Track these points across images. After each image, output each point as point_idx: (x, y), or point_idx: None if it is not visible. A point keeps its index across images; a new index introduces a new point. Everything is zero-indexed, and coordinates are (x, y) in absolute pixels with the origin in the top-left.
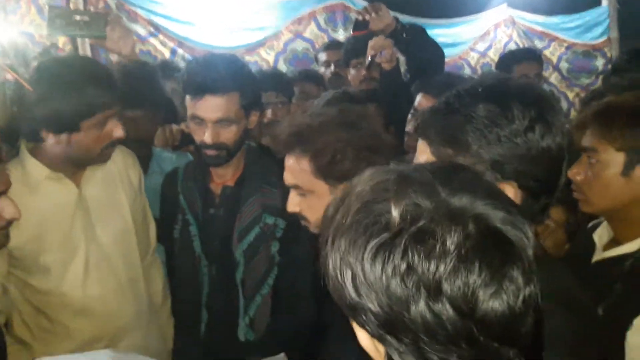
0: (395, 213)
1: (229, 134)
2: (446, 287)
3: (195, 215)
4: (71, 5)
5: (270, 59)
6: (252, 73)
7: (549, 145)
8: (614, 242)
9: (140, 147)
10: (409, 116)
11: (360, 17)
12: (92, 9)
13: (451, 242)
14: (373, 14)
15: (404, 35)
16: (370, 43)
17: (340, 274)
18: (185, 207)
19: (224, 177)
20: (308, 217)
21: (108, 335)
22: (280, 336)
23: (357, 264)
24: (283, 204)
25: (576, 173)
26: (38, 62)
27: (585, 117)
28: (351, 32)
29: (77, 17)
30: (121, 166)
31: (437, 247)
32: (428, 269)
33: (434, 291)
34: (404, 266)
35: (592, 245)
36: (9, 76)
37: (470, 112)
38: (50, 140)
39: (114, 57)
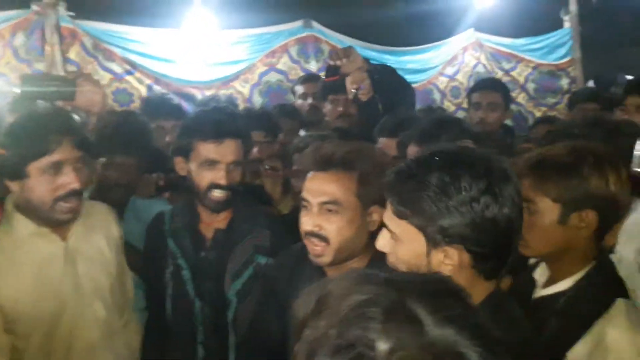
0: (381, 351)
1: (237, 176)
2: None
3: (187, 259)
4: (47, 50)
5: (246, 91)
6: (248, 123)
7: (493, 216)
8: (551, 281)
9: (124, 193)
10: None
11: (331, 62)
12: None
13: None
14: (344, 59)
15: (376, 76)
16: (349, 79)
17: None
18: (176, 252)
19: (214, 219)
20: (329, 237)
21: None
22: None
23: None
24: (273, 244)
25: None
26: None
27: (521, 168)
28: (324, 78)
29: (48, 83)
30: (103, 220)
31: None
32: None
33: None
34: None
35: (533, 283)
36: None
37: (425, 179)
38: (13, 189)
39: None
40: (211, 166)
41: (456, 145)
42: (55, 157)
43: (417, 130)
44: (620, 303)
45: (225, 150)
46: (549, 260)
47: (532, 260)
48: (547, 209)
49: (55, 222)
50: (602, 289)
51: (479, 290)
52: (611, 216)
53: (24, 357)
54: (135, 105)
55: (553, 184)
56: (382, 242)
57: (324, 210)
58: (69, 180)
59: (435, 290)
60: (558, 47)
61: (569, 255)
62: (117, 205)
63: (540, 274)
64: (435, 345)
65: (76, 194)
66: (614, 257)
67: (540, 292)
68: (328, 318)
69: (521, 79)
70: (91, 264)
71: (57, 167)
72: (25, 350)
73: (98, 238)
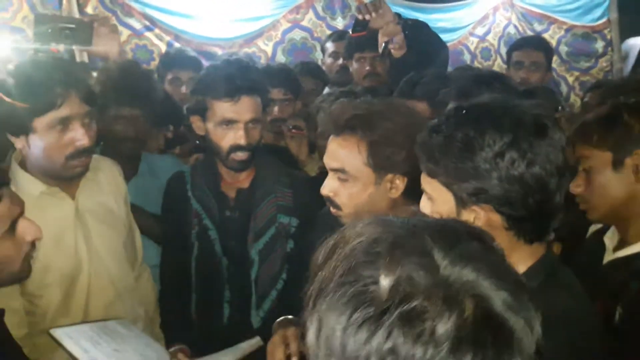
0: (384, 285)
1: (257, 134)
2: None
3: (213, 219)
4: (64, 4)
5: (269, 49)
6: (265, 76)
7: (521, 174)
8: (623, 244)
9: (134, 146)
10: None
11: (359, 16)
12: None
13: (443, 329)
14: (373, 13)
15: (407, 32)
16: (382, 31)
17: (317, 340)
18: (201, 212)
19: (236, 179)
20: (342, 205)
21: None
22: None
23: (339, 333)
24: (295, 204)
25: (576, 186)
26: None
27: (570, 135)
28: (350, 33)
29: (63, 25)
30: (110, 176)
31: (427, 332)
32: (413, 356)
33: None
34: (387, 346)
35: (601, 248)
36: None
37: (450, 134)
38: (18, 146)
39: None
40: (229, 126)
41: (489, 98)
42: (62, 112)
43: (456, 87)
44: None
45: (242, 109)
46: (618, 222)
47: (592, 227)
48: (599, 160)
49: (64, 179)
50: None
51: (522, 255)
52: None
53: (45, 318)
54: (156, 63)
55: (597, 135)
56: (422, 204)
57: (337, 176)
58: (78, 137)
59: (453, 229)
60: (594, 8)
61: (637, 212)
62: (128, 159)
63: (610, 238)
64: (449, 283)
65: (86, 151)
66: None
67: (612, 256)
68: (338, 258)
69: (553, 42)
70: (102, 222)
71: (64, 123)
72: (45, 313)
73: (106, 194)
